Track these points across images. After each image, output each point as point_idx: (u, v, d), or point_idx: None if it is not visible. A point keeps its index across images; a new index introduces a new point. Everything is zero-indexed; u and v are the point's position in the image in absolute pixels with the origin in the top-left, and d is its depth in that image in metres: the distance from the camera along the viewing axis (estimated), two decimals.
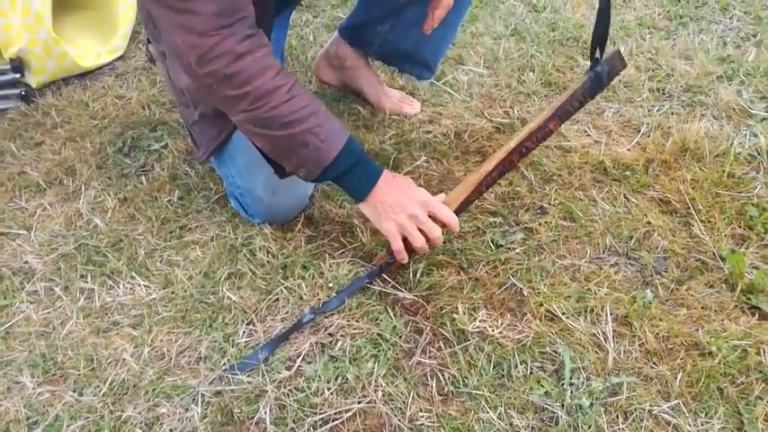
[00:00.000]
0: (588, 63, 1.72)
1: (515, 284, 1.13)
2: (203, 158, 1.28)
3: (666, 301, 1.09)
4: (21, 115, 1.72)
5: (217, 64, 0.98)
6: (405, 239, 1.10)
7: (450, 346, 1.03)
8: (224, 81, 0.99)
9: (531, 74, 1.72)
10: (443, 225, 1.10)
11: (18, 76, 1.75)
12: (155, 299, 1.14)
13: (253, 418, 0.94)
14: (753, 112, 1.52)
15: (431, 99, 1.66)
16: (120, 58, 1.95)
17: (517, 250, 1.20)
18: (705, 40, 1.80)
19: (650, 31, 1.86)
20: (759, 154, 1.38)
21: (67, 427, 0.94)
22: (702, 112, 1.53)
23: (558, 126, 1.16)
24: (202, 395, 0.97)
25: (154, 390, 0.99)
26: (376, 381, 0.98)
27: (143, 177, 1.45)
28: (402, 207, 1.08)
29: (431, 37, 1.48)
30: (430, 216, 1.09)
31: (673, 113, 1.54)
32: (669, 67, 1.69)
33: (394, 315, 1.08)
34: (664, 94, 1.61)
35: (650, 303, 1.08)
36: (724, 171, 1.33)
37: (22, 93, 1.75)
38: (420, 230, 1.08)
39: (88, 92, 1.79)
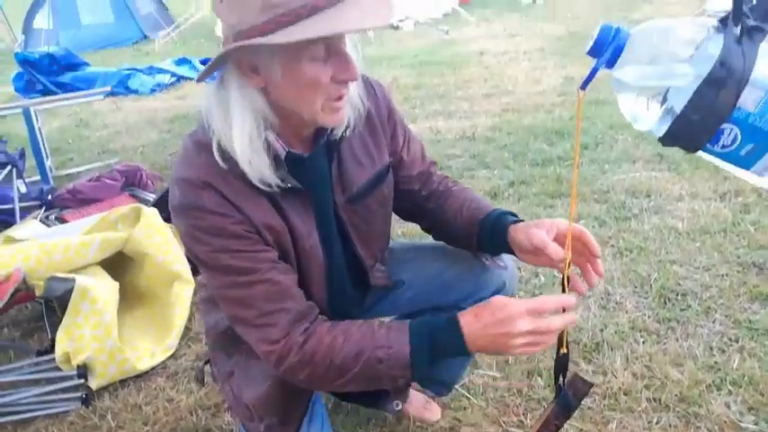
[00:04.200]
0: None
1: None
2: None
3: None
4: (79, 418, 1.91)
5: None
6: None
7: None
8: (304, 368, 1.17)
9: (540, 379, 1.92)
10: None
11: (82, 381, 1.98)
12: None
13: None
14: (743, 425, 1.68)
15: (450, 404, 1.84)
16: (171, 356, 2.19)
17: None
18: (693, 345, 2.02)
19: (642, 336, 2.09)
20: None
21: None
22: (697, 425, 1.69)
23: None
24: None
25: None
26: None
27: None
28: (509, 335, 1.08)
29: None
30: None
31: (670, 425, 1.70)
32: (663, 375, 1.89)
33: None
34: (660, 404, 1.79)
35: None
36: None
37: (83, 396, 1.96)
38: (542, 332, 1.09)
39: (141, 393, 2.00)
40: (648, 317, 2.19)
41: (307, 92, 1.11)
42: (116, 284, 2.21)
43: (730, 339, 2.04)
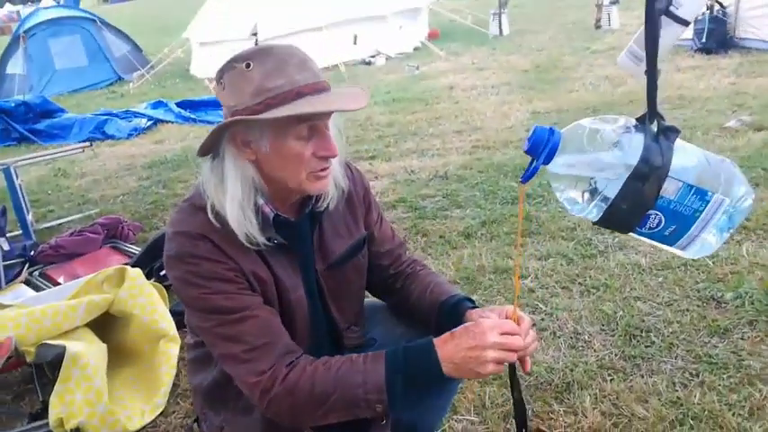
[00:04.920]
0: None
1: None
2: None
3: None
4: None
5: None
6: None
7: None
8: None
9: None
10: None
11: None
12: None
13: None
14: None
15: None
16: (160, 414, 2.25)
17: None
18: (657, 381, 2.14)
19: (610, 374, 2.21)
20: None
21: None
22: None
23: None
24: None
25: None
26: None
27: None
28: (480, 348, 1.18)
29: (428, 412, 1.81)
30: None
31: None
32: (629, 412, 2.01)
33: None
34: None
35: None
36: None
37: None
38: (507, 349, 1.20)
39: None
40: (615, 355, 2.32)
41: (292, 164, 1.29)
42: (104, 347, 2.28)
43: (691, 374, 2.17)
